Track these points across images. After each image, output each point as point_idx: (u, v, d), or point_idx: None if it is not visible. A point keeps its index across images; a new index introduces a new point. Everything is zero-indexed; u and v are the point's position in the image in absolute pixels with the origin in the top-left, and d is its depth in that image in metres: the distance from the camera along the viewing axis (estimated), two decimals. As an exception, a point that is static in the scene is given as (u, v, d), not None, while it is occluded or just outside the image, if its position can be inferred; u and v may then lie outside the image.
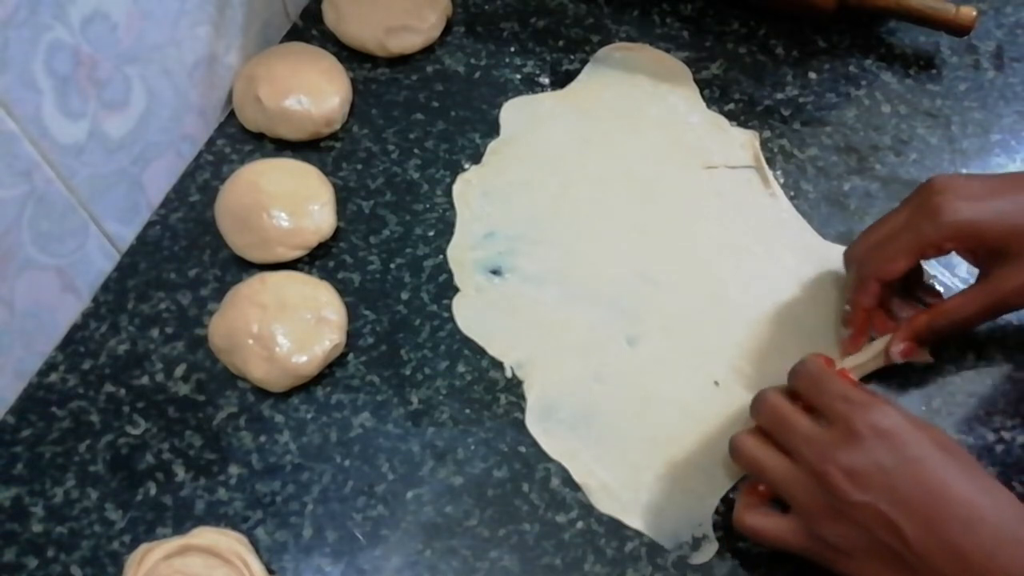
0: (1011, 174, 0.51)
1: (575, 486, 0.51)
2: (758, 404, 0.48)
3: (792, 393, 0.48)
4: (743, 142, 0.64)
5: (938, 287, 0.56)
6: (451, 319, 0.57)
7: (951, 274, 0.57)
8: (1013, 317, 0.56)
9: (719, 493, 0.50)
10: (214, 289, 0.58)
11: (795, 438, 0.45)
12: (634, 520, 0.50)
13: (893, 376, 0.54)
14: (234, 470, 0.51)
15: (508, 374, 0.55)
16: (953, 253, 0.53)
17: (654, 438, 0.52)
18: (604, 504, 0.50)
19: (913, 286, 0.55)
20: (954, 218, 0.48)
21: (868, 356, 0.52)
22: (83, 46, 0.51)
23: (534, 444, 0.52)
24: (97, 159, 0.54)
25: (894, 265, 0.51)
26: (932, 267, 0.58)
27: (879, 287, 0.51)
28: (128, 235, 0.59)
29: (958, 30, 0.66)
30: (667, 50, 0.69)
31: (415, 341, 0.56)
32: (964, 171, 0.62)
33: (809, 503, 0.44)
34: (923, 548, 0.40)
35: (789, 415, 0.46)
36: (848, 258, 0.55)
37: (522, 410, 0.53)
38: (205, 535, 0.47)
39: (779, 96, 0.67)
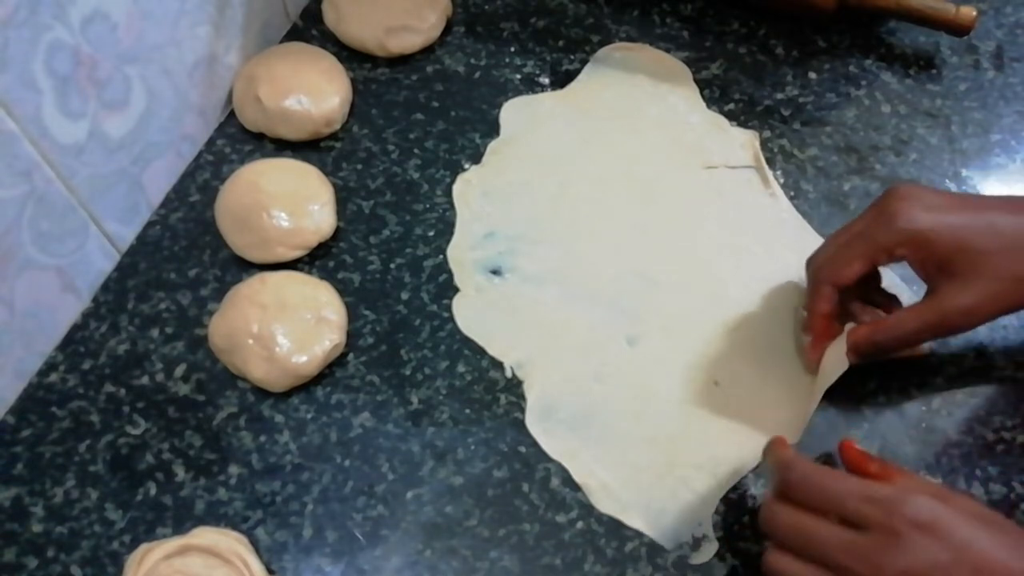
0: (975, 195, 0.50)
1: (575, 486, 0.51)
2: (771, 525, 0.44)
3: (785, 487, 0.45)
4: (743, 142, 0.64)
5: (898, 292, 0.55)
6: (451, 319, 0.57)
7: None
8: (1014, 317, 0.56)
9: (719, 493, 0.50)
10: (214, 289, 0.58)
11: (833, 553, 0.41)
12: (634, 520, 0.50)
13: (893, 376, 0.54)
14: (234, 470, 0.51)
15: (508, 374, 0.55)
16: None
17: (654, 438, 0.52)
18: (604, 504, 0.50)
19: (872, 291, 0.53)
20: (908, 225, 0.47)
21: (827, 371, 0.51)
22: (83, 46, 0.51)
23: (534, 444, 0.52)
24: (97, 159, 0.54)
25: (848, 270, 0.49)
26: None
27: (833, 292, 0.50)
28: (128, 235, 0.59)
29: (958, 30, 0.66)
30: (667, 50, 0.69)
31: (415, 341, 0.56)
32: (963, 171, 0.62)
33: None
34: None
35: (813, 528, 0.42)
36: (808, 264, 0.54)
37: (522, 410, 0.53)
38: (205, 535, 0.47)
39: (779, 96, 0.66)
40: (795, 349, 0.55)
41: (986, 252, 0.46)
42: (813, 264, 0.53)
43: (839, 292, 0.51)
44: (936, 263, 0.48)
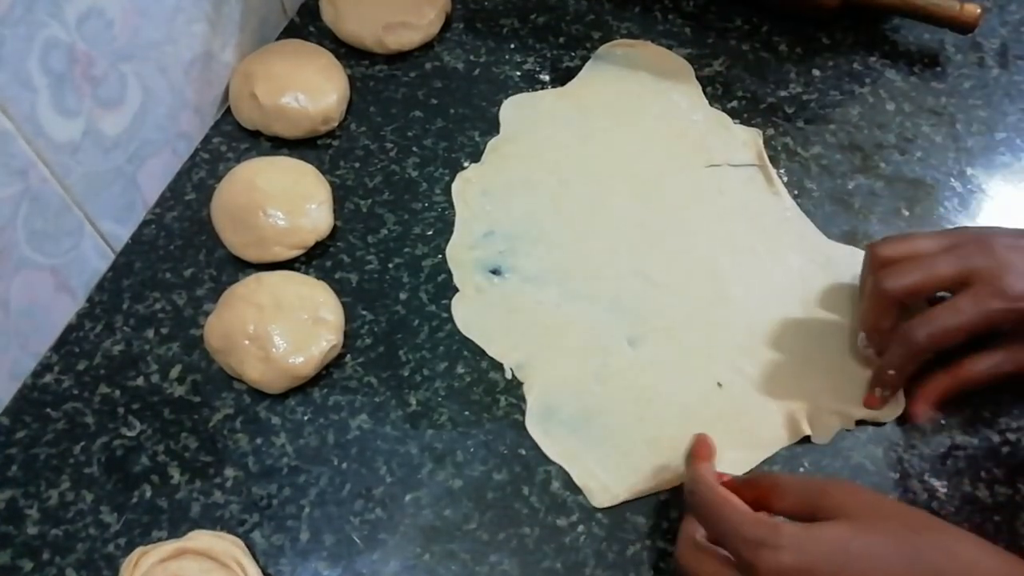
0: None
1: (576, 489, 0.50)
2: (678, 561, 0.44)
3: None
4: (746, 140, 0.63)
5: None
6: (450, 319, 0.56)
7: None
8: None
9: (721, 496, 0.50)
10: (210, 289, 0.57)
11: None
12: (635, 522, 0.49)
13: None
14: (230, 472, 0.51)
15: (508, 375, 0.54)
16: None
17: (656, 440, 0.51)
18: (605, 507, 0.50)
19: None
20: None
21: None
22: (79, 43, 0.50)
23: (534, 446, 0.52)
24: (92, 157, 0.54)
25: (953, 340, 0.48)
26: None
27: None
28: (123, 234, 0.59)
29: (962, 27, 0.65)
30: (669, 47, 0.68)
31: (413, 342, 0.55)
32: (968, 169, 0.62)
33: None
34: None
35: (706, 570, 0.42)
36: (884, 294, 0.50)
37: (522, 412, 0.53)
38: (201, 538, 0.47)
39: (782, 94, 0.66)
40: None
41: None
42: (910, 327, 0.49)
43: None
44: None
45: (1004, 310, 0.47)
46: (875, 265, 0.52)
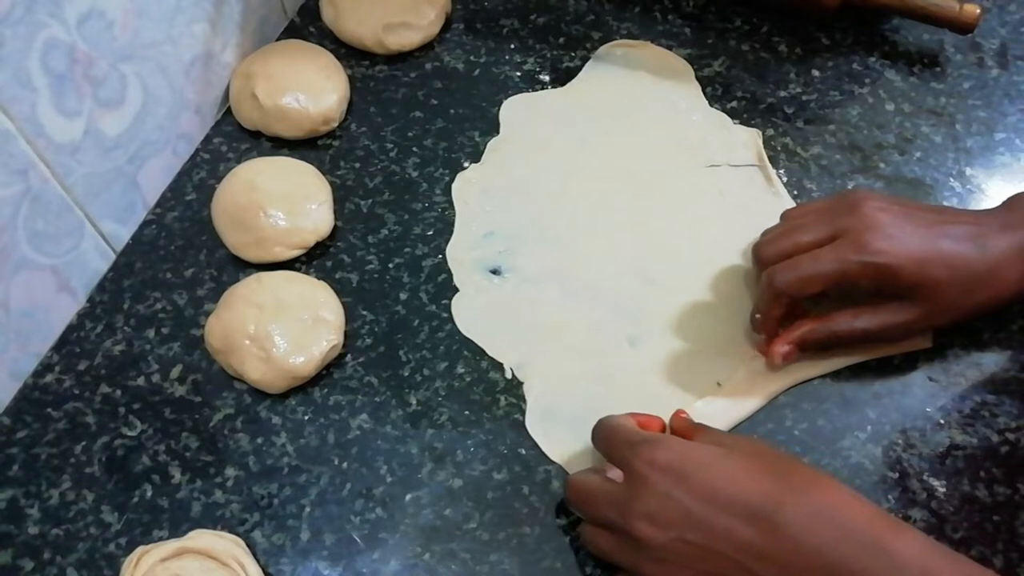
0: (924, 209, 0.52)
1: (575, 488, 0.50)
2: (565, 492, 0.47)
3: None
4: (746, 140, 0.63)
5: None
6: (450, 319, 0.56)
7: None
8: (1018, 318, 0.55)
9: (721, 496, 0.50)
10: (210, 289, 0.57)
11: (599, 507, 0.44)
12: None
13: (897, 377, 0.53)
14: (231, 472, 0.51)
15: (508, 375, 0.54)
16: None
17: (655, 440, 0.52)
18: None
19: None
20: (876, 259, 0.49)
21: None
22: (79, 44, 0.50)
23: (534, 446, 0.52)
24: (93, 158, 0.54)
25: (810, 287, 0.50)
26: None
27: (790, 301, 0.52)
28: (124, 234, 0.59)
29: (962, 27, 0.65)
30: (669, 47, 0.68)
31: (414, 342, 0.55)
32: (968, 170, 0.62)
33: (634, 564, 0.43)
34: (746, 560, 0.40)
35: (587, 487, 0.45)
36: (760, 261, 0.53)
37: (522, 411, 0.53)
38: (202, 538, 0.47)
39: (782, 94, 0.66)
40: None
41: (938, 283, 0.49)
42: (766, 262, 0.52)
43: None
44: (895, 290, 0.50)
45: (859, 262, 0.49)
46: (762, 266, 0.53)
